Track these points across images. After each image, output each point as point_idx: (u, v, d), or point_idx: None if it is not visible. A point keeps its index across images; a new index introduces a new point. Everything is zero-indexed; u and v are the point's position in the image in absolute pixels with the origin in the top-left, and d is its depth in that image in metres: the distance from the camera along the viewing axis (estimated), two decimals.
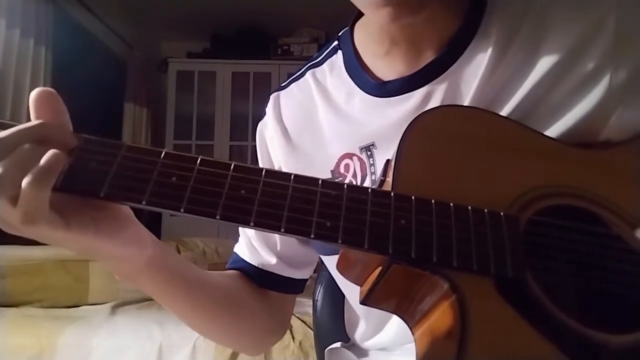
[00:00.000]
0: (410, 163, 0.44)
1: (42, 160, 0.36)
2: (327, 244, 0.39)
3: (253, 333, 0.67)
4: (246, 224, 0.37)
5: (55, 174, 0.36)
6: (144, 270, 0.47)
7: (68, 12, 2.71)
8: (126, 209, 0.44)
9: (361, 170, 0.57)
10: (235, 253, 0.70)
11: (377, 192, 0.41)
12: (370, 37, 0.58)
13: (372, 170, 0.56)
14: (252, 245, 0.67)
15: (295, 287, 0.69)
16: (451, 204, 0.41)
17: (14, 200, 0.35)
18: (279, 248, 0.66)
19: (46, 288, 1.82)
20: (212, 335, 0.67)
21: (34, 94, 0.38)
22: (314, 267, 0.71)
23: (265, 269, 0.66)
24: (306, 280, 0.71)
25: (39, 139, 0.37)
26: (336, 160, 0.59)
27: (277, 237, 0.66)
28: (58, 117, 0.39)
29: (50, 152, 0.36)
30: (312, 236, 0.37)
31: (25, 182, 0.35)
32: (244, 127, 3.46)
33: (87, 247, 0.41)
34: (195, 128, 3.61)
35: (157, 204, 0.37)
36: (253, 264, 0.67)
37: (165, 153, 0.39)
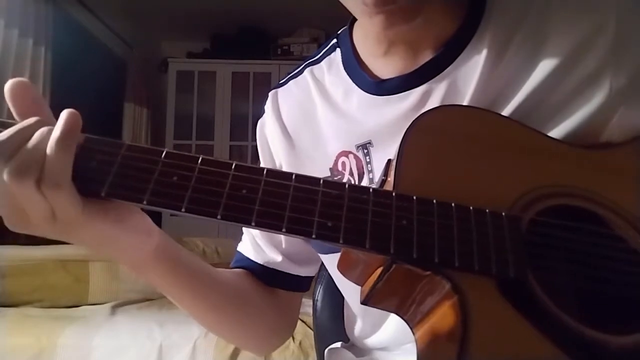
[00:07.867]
0: (412, 163, 0.44)
1: (61, 121, 0.36)
2: (328, 244, 0.39)
3: (259, 331, 0.66)
4: (247, 223, 0.37)
5: (77, 129, 0.37)
6: (151, 259, 0.47)
7: (68, 12, 2.70)
8: None
9: (358, 168, 0.57)
10: (239, 252, 0.69)
11: (379, 192, 0.40)
12: (369, 37, 0.58)
13: (370, 169, 0.56)
14: (256, 244, 0.67)
15: (302, 284, 0.69)
16: (453, 204, 0.41)
17: (38, 182, 0.35)
18: (283, 246, 0.66)
19: (46, 288, 1.81)
20: (218, 331, 0.66)
21: (8, 86, 0.38)
22: (320, 264, 0.70)
23: (272, 267, 0.66)
24: (312, 277, 0.71)
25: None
26: (334, 158, 0.59)
27: (281, 235, 0.65)
28: (38, 107, 0.40)
29: (66, 112, 0.37)
30: (313, 236, 0.37)
31: (50, 141, 0.36)
32: (244, 127, 3.45)
33: (96, 235, 0.40)
34: (195, 128, 3.61)
35: (158, 203, 0.37)
36: (259, 262, 0.67)
37: (167, 152, 0.39)
